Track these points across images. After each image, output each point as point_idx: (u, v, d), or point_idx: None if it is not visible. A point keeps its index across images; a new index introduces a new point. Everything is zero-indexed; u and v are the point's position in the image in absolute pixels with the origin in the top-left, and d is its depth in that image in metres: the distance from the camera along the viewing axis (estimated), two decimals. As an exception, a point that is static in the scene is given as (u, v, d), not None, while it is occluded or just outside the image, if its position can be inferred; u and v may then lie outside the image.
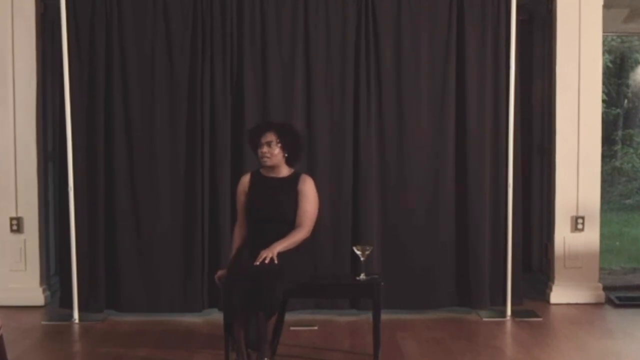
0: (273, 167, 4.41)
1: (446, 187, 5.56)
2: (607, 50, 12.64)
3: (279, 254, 4.15)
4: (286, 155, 4.41)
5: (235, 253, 4.42)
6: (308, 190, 4.40)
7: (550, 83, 5.96)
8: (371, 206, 5.52)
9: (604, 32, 5.87)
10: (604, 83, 8.92)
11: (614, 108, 13.70)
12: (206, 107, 5.49)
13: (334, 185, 5.52)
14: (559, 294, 5.84)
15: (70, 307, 5.43)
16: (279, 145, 4.37)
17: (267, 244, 4.22)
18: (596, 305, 5.79)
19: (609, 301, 5.86)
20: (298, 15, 5.49)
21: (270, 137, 4.37)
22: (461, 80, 5.55)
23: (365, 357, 4.58)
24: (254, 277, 4.03)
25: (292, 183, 4.40)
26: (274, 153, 4.36)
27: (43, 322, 5.41)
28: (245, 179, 4.51)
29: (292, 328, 5.08)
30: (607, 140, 12.78)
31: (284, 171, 4.44)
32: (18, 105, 5.72)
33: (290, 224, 4.34)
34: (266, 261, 4.08)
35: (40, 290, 5.82)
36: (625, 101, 14.31)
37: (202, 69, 5.48)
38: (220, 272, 4.39)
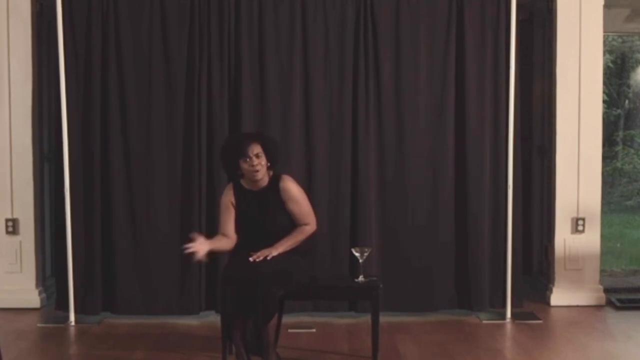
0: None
1: (446, 188, 5.53)
2: (608, 50, 12.64)
3: (279, 257, 4.13)
4: (269, 163, 4.32)
5: (231, 255, 4.38)
6: (292, 191, 4.32)
7: (551, 83, 5.93)
8: (370, 207, 5.48)
9: (604, 31, 5.85)
10: (604, 83, 8.89)
11: (614, 109, 13.71)
12: (203, 108, 5.46)
13: (332, 186, 5.49)
14: (559, 296, 5.81)
15: (67, 309, 5.40)
16: (264, 155, 4.28)
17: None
18: (597, 307, 5.77)
19: (609, 303, 5.84)
20: (296, 15, 5.46)
21: (257, 148, 4.25)
22: (461, 80, 5.52)
23: (364, 359, 4.54)
24: (247, 282, 4.00)
25: (274, 188, 4.32)
26: (262, 164, 4.27)
27: (39, 325, 5.37)
28: (230, 191, 4.38)
29: (290, 330, 5.06)
30: (608, 141, 12.80)
31: (265, 179, 4.33)
32: (14, 106, 5.69)
33: (284, 231, 4.29)
34: (259, 259, 4.06)
35: (36, 292, 5.79)
36: (626, 102, 14.31)
37: (199, 69, 5.45)
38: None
